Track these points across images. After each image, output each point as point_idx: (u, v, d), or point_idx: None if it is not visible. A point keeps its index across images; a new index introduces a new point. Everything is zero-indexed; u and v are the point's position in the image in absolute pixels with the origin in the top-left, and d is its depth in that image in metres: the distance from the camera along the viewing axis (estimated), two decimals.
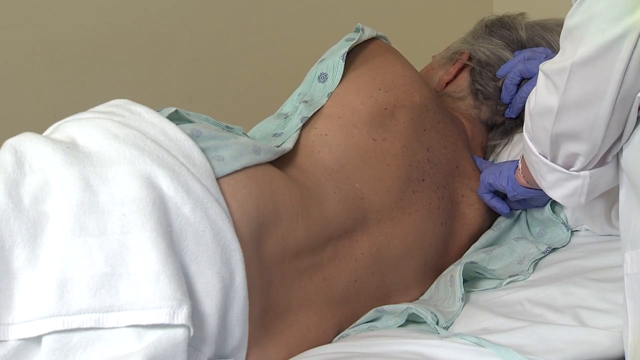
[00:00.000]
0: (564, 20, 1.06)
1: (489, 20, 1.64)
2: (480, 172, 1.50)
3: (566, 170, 1.15)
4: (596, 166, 1.13)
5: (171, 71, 2.23)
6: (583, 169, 1.14)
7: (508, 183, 1.39)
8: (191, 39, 2.25)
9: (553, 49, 1.56)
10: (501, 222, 1.49)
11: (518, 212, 1.50)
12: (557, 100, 1.06)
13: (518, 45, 1.60)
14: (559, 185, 1.18)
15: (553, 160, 1.15)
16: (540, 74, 1.10)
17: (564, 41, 1.05)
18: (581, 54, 1.01)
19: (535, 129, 1.13)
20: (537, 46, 1.58)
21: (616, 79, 1.00)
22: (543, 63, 1.09)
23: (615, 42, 0.98)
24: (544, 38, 1.59)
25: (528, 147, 1.19)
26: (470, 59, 1.61)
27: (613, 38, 0.98)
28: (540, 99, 1.09)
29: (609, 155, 1.12)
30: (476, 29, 1.65)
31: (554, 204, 1.46)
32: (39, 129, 1.21)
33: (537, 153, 1.17)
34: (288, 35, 2.38)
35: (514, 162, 1.40)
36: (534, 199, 1.45)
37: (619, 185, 1.14)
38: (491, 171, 1.44)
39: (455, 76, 1.62)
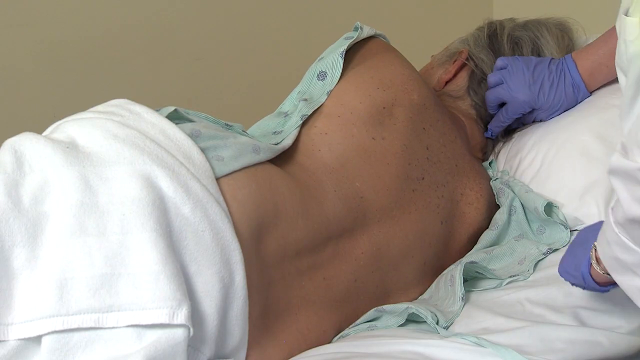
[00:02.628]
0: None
1: (491, 30, 1.63)
2: None
3: None
4: None
5: (172, 71, 2.23)
6: None
7: (585, 282, 1.21)
8: (191, 39, 2.25)
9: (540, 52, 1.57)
10: (498, 221, 1.48)
11: (514, 208, 1.49)
12: None
13: None
14: None
15: None
16: (615, 180, 0.98)
17: (632, 145, 0.94)
18: None
19: (635, 237, 1.00)
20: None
21: None
22: (612, 169, 0.97)
23: None
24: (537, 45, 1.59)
25: (630, 248, 1.02)
26: (469, 58, 1.61)
27: None
28: (629, 210, 0.98)
29: None
30: (479, 37, 1.63)
31: (547, 207, 1.44)
32: (39, 129, 1.21)
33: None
34: (288, 36, 2.37)
35: (586, 257, 1.19)
36: None
37: None
38: (565, 269, 1.25)
39: (455, 75, 1.62)
